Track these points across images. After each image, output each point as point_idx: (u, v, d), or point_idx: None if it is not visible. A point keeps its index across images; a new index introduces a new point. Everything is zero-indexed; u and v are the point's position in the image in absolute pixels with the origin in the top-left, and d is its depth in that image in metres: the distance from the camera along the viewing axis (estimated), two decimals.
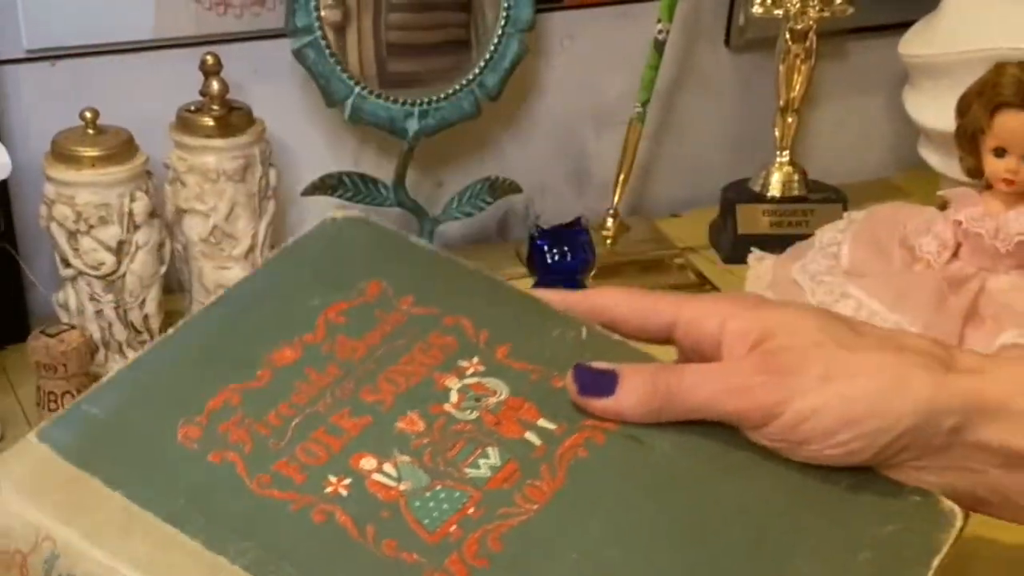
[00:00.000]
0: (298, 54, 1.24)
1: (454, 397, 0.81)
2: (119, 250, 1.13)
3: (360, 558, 0.72)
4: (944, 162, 1.34)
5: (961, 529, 0.79)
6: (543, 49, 1.41)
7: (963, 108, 1.14)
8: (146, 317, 1.16)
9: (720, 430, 0.79)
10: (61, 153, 1.12)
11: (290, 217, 1.35)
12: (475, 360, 0.84)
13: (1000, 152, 1.12)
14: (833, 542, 0.78)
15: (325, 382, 0.82)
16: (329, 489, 0.75)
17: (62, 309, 1.16)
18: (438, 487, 0.76)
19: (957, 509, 0.78)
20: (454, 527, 0.73)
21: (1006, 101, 1.10)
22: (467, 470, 0.77)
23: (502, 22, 1.28)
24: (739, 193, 1.43)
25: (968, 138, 1.14)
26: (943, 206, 1.18)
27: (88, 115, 1.12)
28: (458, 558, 0.72)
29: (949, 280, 1.14)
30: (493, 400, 0.81)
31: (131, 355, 1.15)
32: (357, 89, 1.26)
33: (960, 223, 1.14)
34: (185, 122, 1.19)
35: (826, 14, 1.36)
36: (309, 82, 1.26)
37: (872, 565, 0.77)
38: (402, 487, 0.75)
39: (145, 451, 0.78)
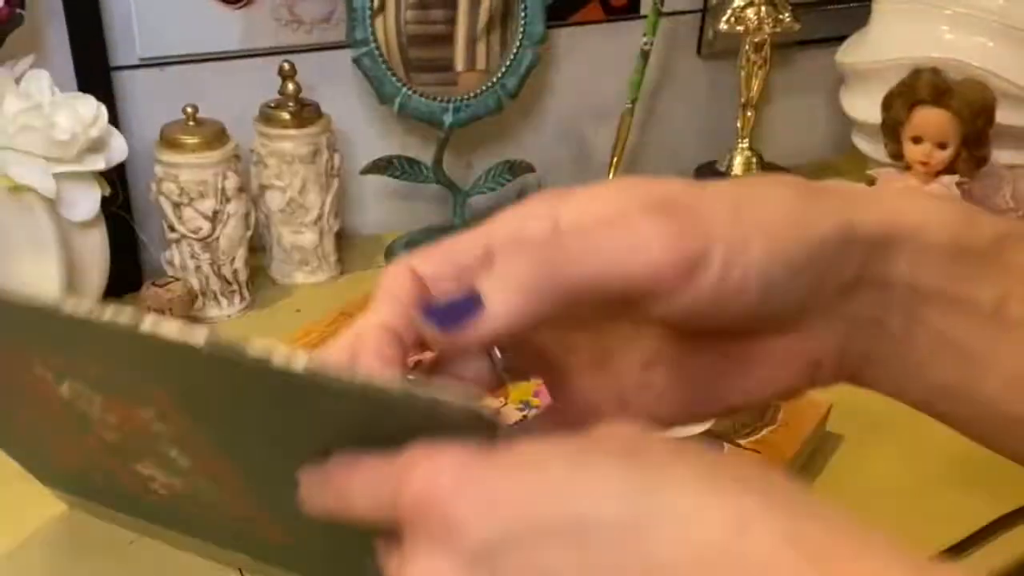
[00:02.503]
0: (357, 61, 1.23)
1: None
2: (214, 218, 1.12)
3: None
4: (873, 148, 1.33)
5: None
6: (552, 58, 1.40)
7: (887, 105, 1.13)
8: (235, 271, 1.15)
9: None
10: (167, 140, 1.11)
11: (351, 191, 1.34)
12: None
13: (917, 140, 1.11)
14: None
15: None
16: None
17: (168, 265, 1.16)
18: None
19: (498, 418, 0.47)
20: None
21: (921, 99, 1.10)
22: None
23: (519, 36, 1.28)
24: (708, 172, 1.42)
25: (891, 129, 1.13)
26: (872, 183, 1.18)
27: (189, 110, 1.12)
28: None
29: None
30: None
31: (223, 302, 1.15)
32: (404, 89, 1.25)
33: None
34: (267, 116, 1.19)
35: (778, 29, 1.35)
36: (366, 83, 1.25)
37: None
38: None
39: None
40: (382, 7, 1.23)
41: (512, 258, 0.49)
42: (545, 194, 0.55)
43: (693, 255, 0.48)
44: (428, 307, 0.51)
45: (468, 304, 0.49)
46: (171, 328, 0.51)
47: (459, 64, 1.29)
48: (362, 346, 0.52)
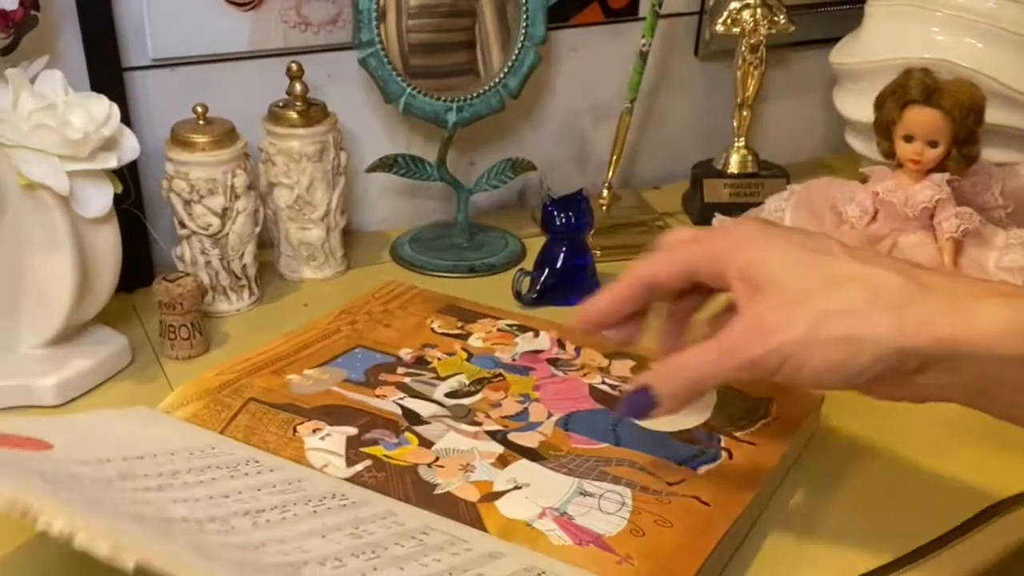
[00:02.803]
0: (363, 62, 1.22)
1: None
2: (224, 215, 1.11)
3: None
4: (865, 146, 1.33)
5: None
6: (553, 58, 1.39)
7: (879, 104, 1.13)
8: (244, 267, 1.15)
9: None
10: (178, 139, 1.10)
11: (357, 188, 1.34)
12: None
13: (908, 138, 1.10)
14: None
15: None
16: None
17: (179, 260, 1.15)
18: None
19: None
20: None
21: (913, 99, 1.09)
22: None
23: (521, 37, 1.27)
24: (705, 170, 1.42)
25: (883, 127, 1.13)
26: (864, 180, 1.17)
27: (199, 109, 1.11)
28: None
29: (869, 238, 1.13)
30: None
31: (233, 297, 1.14)
32: (408, 89, 1.24)
33: (877, 194, 1.13)
34: (275, 115, 1.18)
35: (773, 31, 1.35)
36: (371, 83, 1.25)
37: None
38: None
39: None
40: (383, 16, 1.22)
41: (672, 373, 0.75)
42: (738, 234, 0.76)
43: (775, 367, 0.69)
44: (623, 402, 0.77)
45: (647, 402, 0.75)
46: (102, 546, 0.53)
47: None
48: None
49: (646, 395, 0.75)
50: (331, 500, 0.77)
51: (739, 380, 0.78)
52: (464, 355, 1.02)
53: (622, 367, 1.00)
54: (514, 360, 1.02)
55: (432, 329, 1.07)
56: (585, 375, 0.99)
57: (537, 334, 1.06)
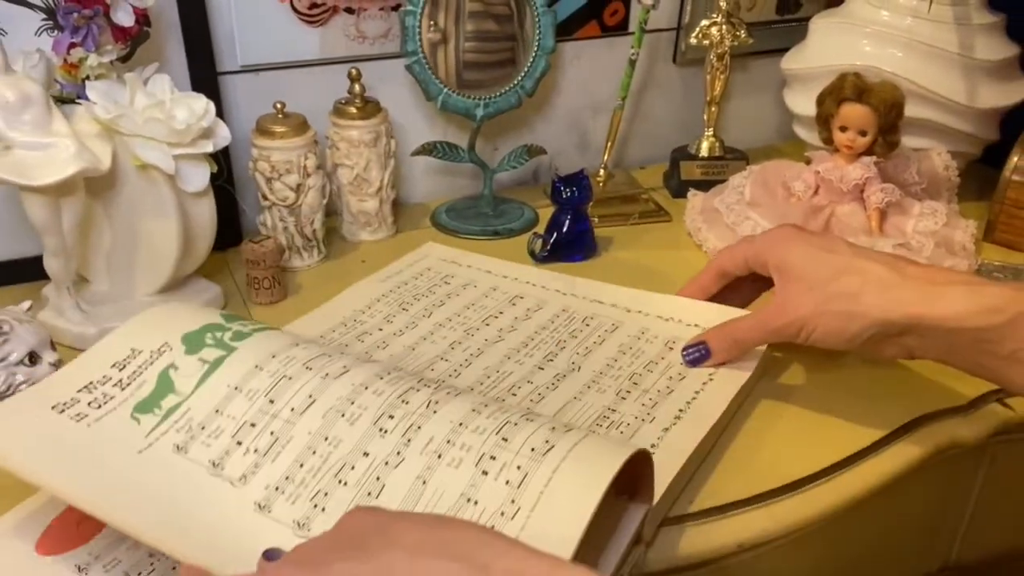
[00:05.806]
0: (408, 68, 1.21)
1: None
2: (298, 189, 1.11)
3: None
4: (809, 135, 1.32)
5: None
6: (560, 64, 1.38)
7: (820, 101, 1.12)
8: (314, 231, 1.14)
9: None
10: (261, 129, 1.10)
11: (403, 169, 1.33)
12: None
13: (843, 129, 1.10)
14: None
15: None
16: None
17: (262, 226, 1.14)
18: None
19: None
20: None
21: (846, 97, 1.08)
22: None
23: (535, 48, 1.25)
24: (681, 154, 1.40)
25: (823, 120, 1.12)
26: (808, 162, 1.17)
27: (278, 106, 1.10)
28: None
29: (812, 208, 1.13)
30: None
31: (305, 255, 1.14)
32: (445, 90, 1.23)
33: (819, 173, 1.13)
34: (338, 110, 1.17)
35: (736, 43, 1.34)
36: (415, 85, 1.23)
37: None
38: None
39: None
40: (443, 40, 1.21)
41: (723, 334, 0.86)
42: (775, 236, 0.85)
43: (794, 333, 0.80)
44: (683, 351, 0.88)
45: (703, 354, 0.86)
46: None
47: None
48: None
49: (703, 349, 0.86)
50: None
51: (773, 341, 0.85)
52: None
53: None
54: None
55: None
56: None
57: None
